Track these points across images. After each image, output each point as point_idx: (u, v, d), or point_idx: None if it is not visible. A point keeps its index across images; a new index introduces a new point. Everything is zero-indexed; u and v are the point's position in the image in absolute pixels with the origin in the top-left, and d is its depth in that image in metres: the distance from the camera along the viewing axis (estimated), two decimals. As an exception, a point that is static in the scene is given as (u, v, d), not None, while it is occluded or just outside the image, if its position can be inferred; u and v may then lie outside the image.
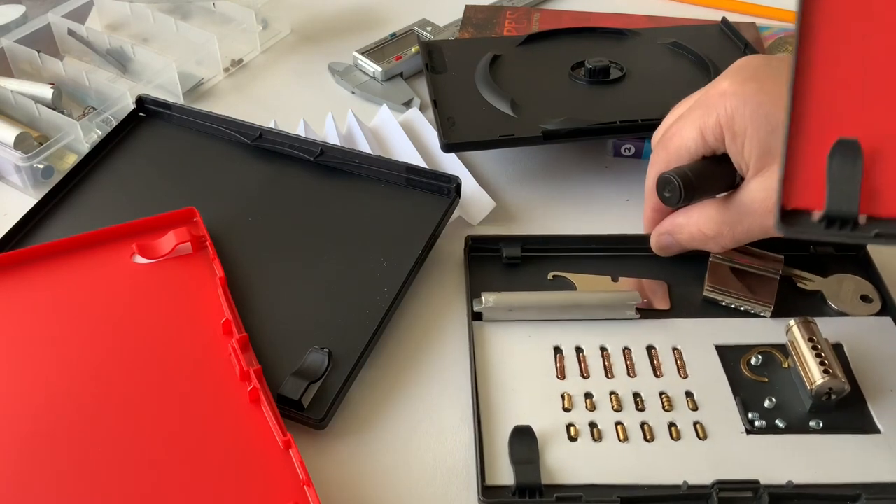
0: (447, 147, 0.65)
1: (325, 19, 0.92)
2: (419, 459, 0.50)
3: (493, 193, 0.67)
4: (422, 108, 0.77)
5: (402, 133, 0.72)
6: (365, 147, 0.69)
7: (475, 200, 0.66)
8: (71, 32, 0.84)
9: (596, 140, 0.71)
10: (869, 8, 0.40)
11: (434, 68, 0.74)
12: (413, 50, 0.82)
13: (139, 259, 0.59)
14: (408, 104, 0.78)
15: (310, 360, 0.53)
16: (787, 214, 0.39)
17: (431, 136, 0.72)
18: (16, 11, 0.88)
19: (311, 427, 0.51)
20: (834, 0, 0.40)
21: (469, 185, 0.66)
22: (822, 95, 0.40)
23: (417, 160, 0.68)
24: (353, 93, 0.81)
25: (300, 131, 0.72)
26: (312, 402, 0.51)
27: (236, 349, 0.52)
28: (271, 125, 0.71)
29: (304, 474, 0.46)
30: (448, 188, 0.63)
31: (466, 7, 0.89)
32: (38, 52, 0.79)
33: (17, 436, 0.49)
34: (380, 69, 0.80)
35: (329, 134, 0.72)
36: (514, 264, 0.61)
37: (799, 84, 0.40)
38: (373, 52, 0.82)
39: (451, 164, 0.69)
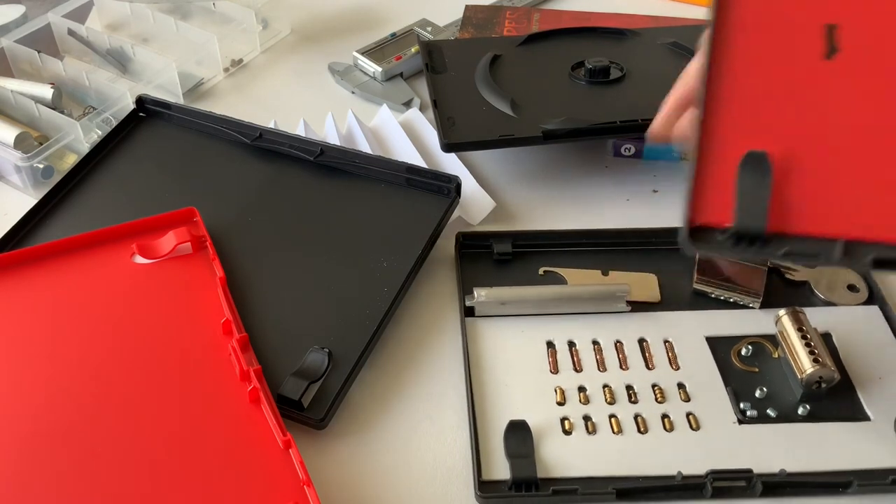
0: (447, 147, 0.65)
1: (325, 19, 0.92)
2: (419, 459, 0.50)
3: (493, 193, 0.67)
4: (422, 108, 0.77)
5: (402, 133, 0.72)
6: (365, 147, 0.69)
7: (475, 200, 0.66)
8: (71, 32, 0.84)
9: (596, 140, 0.71)
10: (781, 24, 0.39)
11: (434, 68, 0.74)
12: (413, 50, 0.82)
13: (139, 259, 0.59)
14: (408, 104, 0.78)
15: (310, 360, 0.53)
16: (695, 231, 0.38)
17: (431, 136, 0.72)
18: (16, 11, 0.88)
19: (311, 427, 0.51)
20: (746, 15, 0.39)
21: (469, 185, 0.66)
22: (732, 108, 0.39)
23: (417, 160, 0.68)
24: (353, 93, 0.81)
25: (300, 131, 0.72)
26: (312, 402, 0.51)
27: (236, 349, 0.52)
28: (271, 125, 0.71)
29: (304, 474, 0.46)
30: (448, 188, 0.63)
31: (466, 7, 0.89)
32: (38, 52, 0.79)
33: (17, 435, 0.49)
34: (380, 69, 0.80)
35: (329, 134, 0.72)
36: (505, 260, 0.61)
37: (709, 97, 0.39)
38: (373, 52, 0.82)
39: (451, 164, 0.69)
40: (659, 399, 0.52)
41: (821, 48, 0.38)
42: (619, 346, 0.55)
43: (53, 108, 0.74)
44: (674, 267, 0.60)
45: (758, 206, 0.37)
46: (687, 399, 0.52)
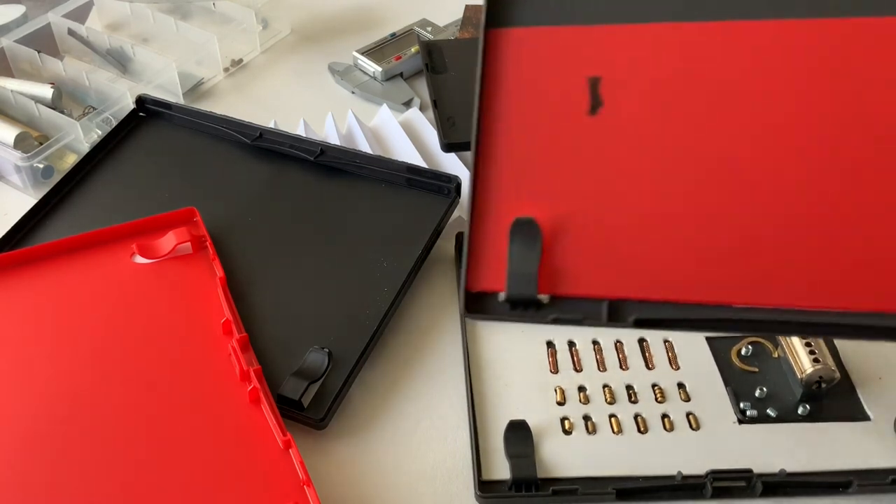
0: (447, 147, 0.65)
1: (325, 19, 0.92)
2: (419, 459, 0.50)
3: (492, 193, 0.67)
4: (422, 108, 0.77)
5: (402, 133, 0.72)
6: (365, 147, 0.69)
7: (475, 200, 0.66)
8: (71, 32, 0.84)
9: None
10: (545, 81, 0.39)
11: (434, 68, 0.74)
12: (413, 50, 0.82)
13: (139, 259, 0.59)
14: (408, 104, 0.78)
15: (310, 360, 0.53)
16: (474, 297, 0.38)
17: (431, 136, 0.72)
18: (16, 11, 0.88)
19: (311, 427, 0.51)
20: (513, 87, 0.40)
21: (469, 185, 0.66)
22: (503, 173, 0.39)
23: (417, 160, 0.68)
24: (353, 93, 0.81)
25: (300, 131, 0.72)
26: (312, 402, 0.51)
27: (236, 349, 0.52)
28: (271, 125, 0.71)
29: (304, 474, 0.46)
30: (448, 188, 0.63)
31: (466, 7, 0.89)
32: (38, 52, 0.79)
33: (16, 436, 0.49)
34: (380, 69, 0.80)
35: (329, 134, 0.72)
36: None
37: (480, 161, 0.39)
38: (373, 52, 0.82)
39: (451, 164, 0.69)
40: (659, 399, 0.52)
41: (586, 104, 0.38)
42: (618, 346, 0.55)
43: (53, 108, 0.74)
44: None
45: (527, 272, 0.37)
46: (687, 399, 0.52)
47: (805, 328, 0.34)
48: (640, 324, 0.36)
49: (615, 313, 0.36)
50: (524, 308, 0.37)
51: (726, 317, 0.35)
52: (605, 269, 0.37)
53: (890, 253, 0.34)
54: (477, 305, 0.38)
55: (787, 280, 0.34)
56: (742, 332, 0.36)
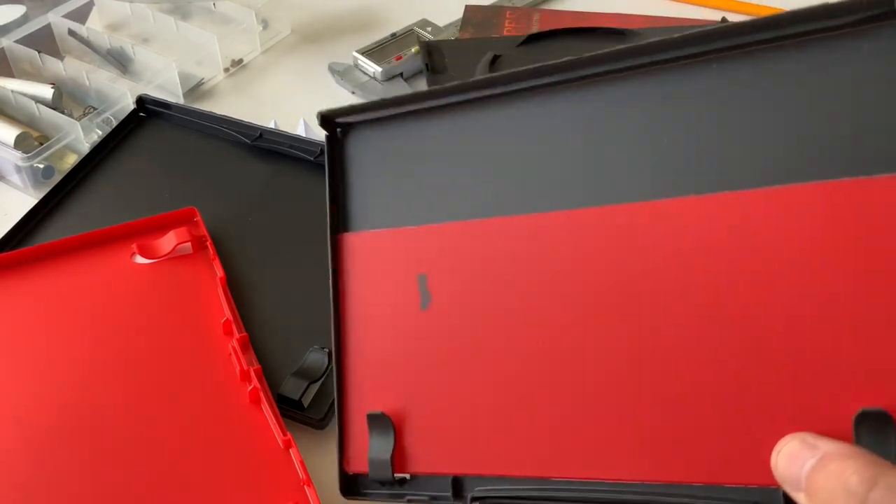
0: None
1: (325, 19, 0.92)
2: (419, 459, 0.50)
3: (492, 193, 0.67)
4: (422, 109, 0.77)
5: (402, 133, 0.72)
6: (365, 147, 0.69)
7: (475, 200, 0.66)
8: (71, 32, 0.84)
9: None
10: (384, 276, 0.42)
11: (434, 68, 0.74)
12: (413, 50, 0.82)
13: (139, 259, 0.59)
14: (408, 104, 0.78)
15: (310, 360, 0.53)
16: (350, 478, 0.43)
17: (431, 137, 0.72)
18: (16, 11, 0.88)
19: (311, 427, 0.51)
20: (357, 287, 0.43)
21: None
22: (358, 366, 0.43)
23: (417, 160, 0.68)
24: (353, 93, 0.81)
25: (300, 131, 0.72)
26: (312, 402, 0.51)
27: (236, 349, 0.52)
28: (271, 125, 0.71)
29: (304, 474, 0.46)
30: (448, 188, 0.63)
31: (466, 7, 0.89)
32: (39, 52, 0.79)
33: (15, 436, 0.49)
34: (380, 69, 0.80)
35: (329, 134, 0.72)
36: None
37: (343, 362, 0.43)
38: (373, 53, 0.82)
39: (451, 164, 0.69)
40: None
41: (418, 299, 0.41)
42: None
43: (54, 108, 0.74)
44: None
45: (383, 458, 0.41)
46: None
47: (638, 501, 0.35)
48: (477, 500, 0.39)
49: (458, 489, 0.40)
50: (390, 486, 0.42)
51: (558, 491, 0.37)
52: (447, 449, 0.40)
53: (711, 430, 0.34)
54: (353, 486, 0.43)
55: (612, 456, 0.36)
56: None
